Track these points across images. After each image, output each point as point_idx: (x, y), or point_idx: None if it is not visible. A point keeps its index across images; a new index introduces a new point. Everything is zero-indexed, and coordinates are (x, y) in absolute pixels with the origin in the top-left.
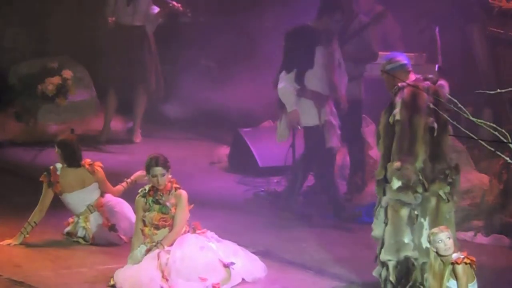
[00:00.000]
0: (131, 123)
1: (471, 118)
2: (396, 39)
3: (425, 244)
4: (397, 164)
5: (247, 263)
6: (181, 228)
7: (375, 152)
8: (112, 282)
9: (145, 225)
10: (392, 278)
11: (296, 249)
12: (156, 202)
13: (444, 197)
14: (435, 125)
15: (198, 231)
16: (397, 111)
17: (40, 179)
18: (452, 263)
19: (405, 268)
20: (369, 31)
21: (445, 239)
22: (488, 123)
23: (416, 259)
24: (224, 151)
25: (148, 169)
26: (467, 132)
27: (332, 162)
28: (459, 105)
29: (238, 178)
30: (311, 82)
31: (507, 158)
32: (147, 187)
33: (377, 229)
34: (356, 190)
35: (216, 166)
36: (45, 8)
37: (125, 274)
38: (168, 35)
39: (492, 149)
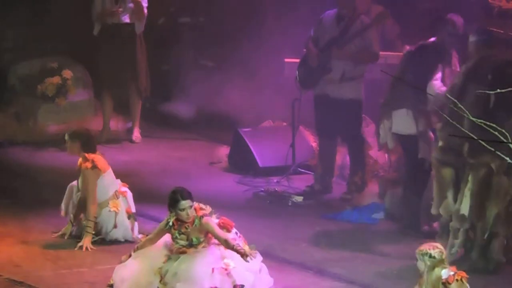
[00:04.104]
0: (130, 123)
1: (471, 118)
2: (395, 38)
3: (462, 211)
4: (438, 125)
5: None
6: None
7: (375, 152)
8: (112, 282)
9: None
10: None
11: (296, 249)
12: (182, 233)
13: (495, 170)
14: (491, 96)
15: (237, 244)
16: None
17: (86, 166)
18: (443, 283)
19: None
20: (370, 32)
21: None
22: (488, 123)
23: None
24: (224, 151)
25: (174, 204)
26: (467, 132)
27: (425, 175)
28: (459, 105)
29: (238, 178)
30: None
31: (507, 158)
32: (170, 221)
33: None
34: (356, 190)
35: (216, 166)
36: (45, 8)
37: (123, 274)
38: (168, 35)
39: (492, 149)
